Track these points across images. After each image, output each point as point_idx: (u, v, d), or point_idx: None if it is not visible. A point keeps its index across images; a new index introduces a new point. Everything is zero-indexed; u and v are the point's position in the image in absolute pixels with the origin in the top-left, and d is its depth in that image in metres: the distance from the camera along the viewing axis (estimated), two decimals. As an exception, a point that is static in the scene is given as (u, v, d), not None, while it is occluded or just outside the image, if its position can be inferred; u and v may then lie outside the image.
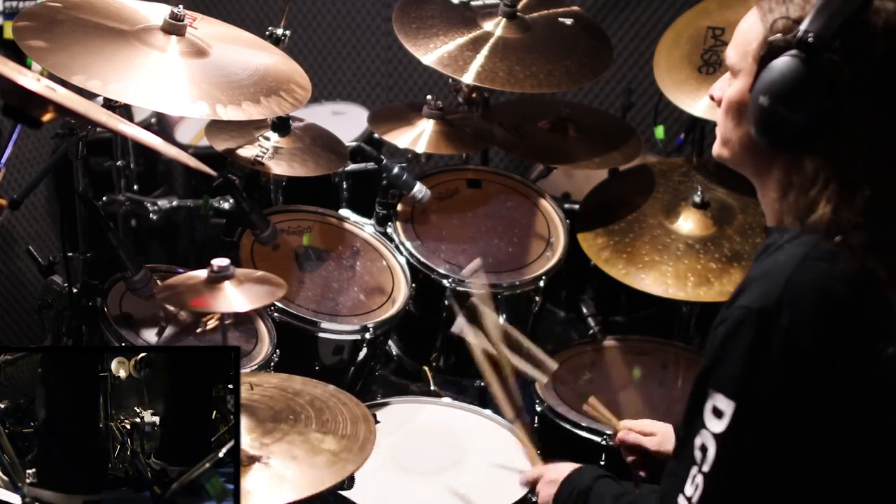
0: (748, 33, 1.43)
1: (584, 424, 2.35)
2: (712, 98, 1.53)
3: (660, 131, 2.99)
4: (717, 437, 1.35)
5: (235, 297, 1.70)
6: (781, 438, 1.34)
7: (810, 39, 1.32)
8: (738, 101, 1.45)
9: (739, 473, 1.35)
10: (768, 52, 1.37)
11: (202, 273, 1.74)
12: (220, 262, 1.71)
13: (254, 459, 1.59)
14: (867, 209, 1.34)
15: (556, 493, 1.76)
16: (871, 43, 1.32)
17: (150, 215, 2.74)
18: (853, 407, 1.34)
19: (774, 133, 1.38)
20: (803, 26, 1.33)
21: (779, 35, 1.36)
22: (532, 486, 1.88)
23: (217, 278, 1.71)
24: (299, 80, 2.19)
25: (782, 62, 1.34)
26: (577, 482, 1.73)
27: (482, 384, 2.67)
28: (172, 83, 1.97)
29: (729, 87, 1.48)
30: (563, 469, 1.78)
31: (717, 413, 1.35)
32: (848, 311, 1.33)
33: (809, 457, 1.35)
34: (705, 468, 1.36)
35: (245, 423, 1.64)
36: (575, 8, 2.87)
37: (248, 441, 1.63)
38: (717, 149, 1.53)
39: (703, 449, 1.36)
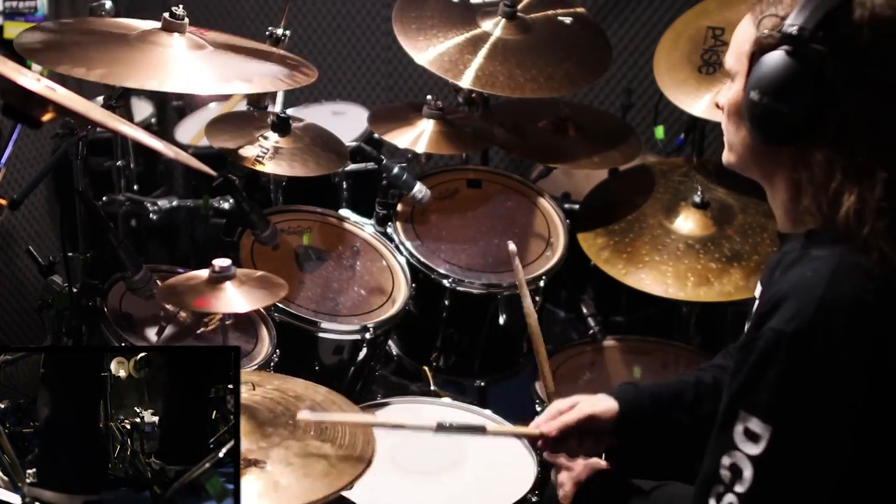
0: (742, 36, 1.45)
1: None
2: (718, 106, 1.54)
3: (660, 131, 2.99)
4: (753, 459, 1.35)
5: (237, 298, 1.70)
6: (820, 456, 1.35)
7: (794, 32, 1.34)
8: (735, 103, 1.46)
9: (779, 495, 1.36)
10: (759, 50, 1.39)
11: (203, 273, 1.74)
12: (221, 262, 1.71)
13: (251, 463, 1.58)
14: (887, 192, 1.35)
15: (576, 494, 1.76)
16: (856, 33, 1.33)
17: (150, 215, 2.74)
18: (891, 410, 1.35)
19: (768, 127, 1.39)
20: (788, 21, 1.35)
21: (766, 31, 1.38)
22: (557, 467, 1.85)
23: (219, 279, 1.71)
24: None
25: (770, 56, 1.37)
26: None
27: (482, 384, 2.68)
28: (194, 68, 2.01)
29: (727, 90, 1.49)
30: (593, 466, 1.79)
31: (752, 436, 1.35)
32: (881, 321, 1.33)
33: (847, 466, 1.35)
34: (739, 489, 1.36)
35: (244, 424, 1.62)
36: (580, 9, 2.87)
37: (246, 444, 1.61)
38: (725, 156, 1.54)
39: (735, 469, 1.36)
